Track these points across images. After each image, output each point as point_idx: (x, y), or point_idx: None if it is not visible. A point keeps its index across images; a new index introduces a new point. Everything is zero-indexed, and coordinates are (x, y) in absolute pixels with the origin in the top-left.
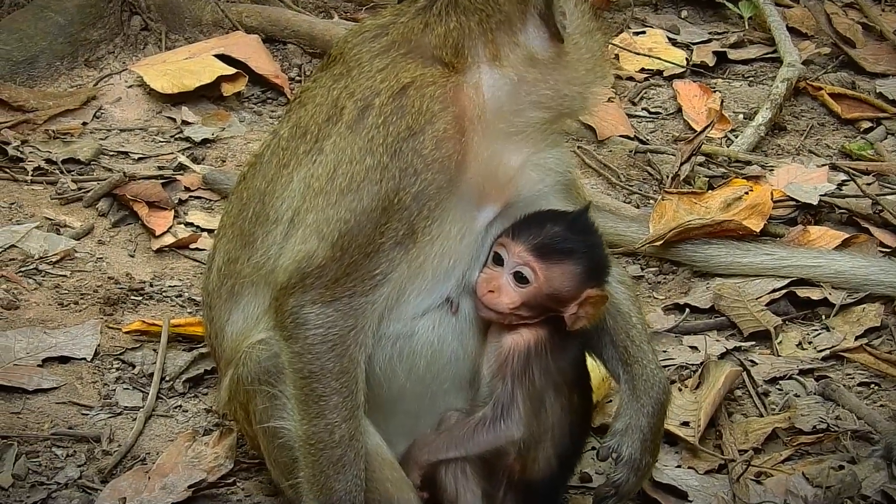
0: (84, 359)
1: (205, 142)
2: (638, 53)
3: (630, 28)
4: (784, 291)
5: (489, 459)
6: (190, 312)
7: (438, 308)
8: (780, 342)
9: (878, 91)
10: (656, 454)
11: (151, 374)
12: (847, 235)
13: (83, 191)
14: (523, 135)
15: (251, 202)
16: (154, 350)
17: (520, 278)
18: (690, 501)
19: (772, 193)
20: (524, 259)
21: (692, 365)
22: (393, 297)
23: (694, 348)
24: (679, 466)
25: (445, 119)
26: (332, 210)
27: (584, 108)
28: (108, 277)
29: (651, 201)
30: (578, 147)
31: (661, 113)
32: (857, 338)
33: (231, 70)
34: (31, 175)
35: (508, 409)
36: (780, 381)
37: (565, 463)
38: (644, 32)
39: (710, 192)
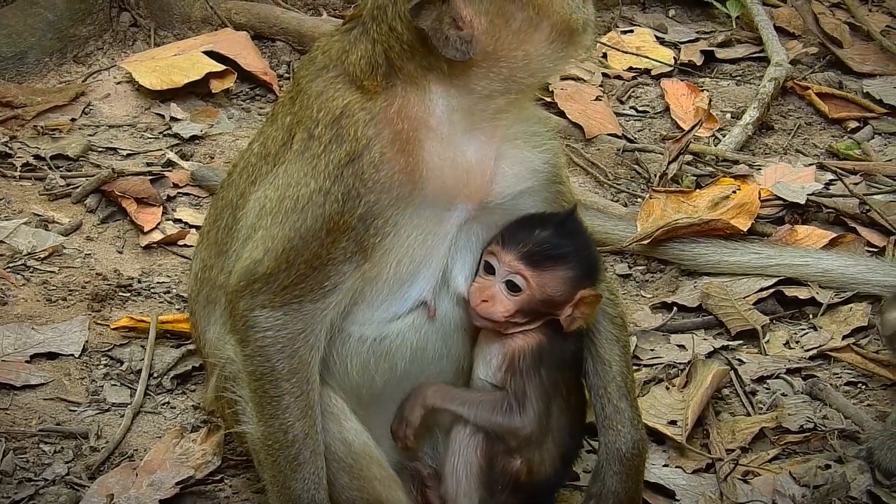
0: (72, 355)
1: (193, 138)
2: (626, 52)
3: (618, 27)
4: (771, 290)
5: (496, 465)
6: (178, 309)
7: (413, 312)
8: (768, 341)
9: (865, 91)
10: None
11: (139, 371)
12: (834, 235)
13: (71, 187)
14: (485, 127)
15: (224, 212)
16: (142, 346)
17: (512, 287)
18: (678, 500)
19: (759, 192)
20: (515, 268)
21: (679, 364)
22: (345, 303)
23: (681, 347)
24: (666, 465)
25: (381, 143)
26: (278, 228)
27: (558, 69)
28: (97, 273)
29: (639, 200)
30: (566, 145)
31: (648, 112)
32: (844, 337)
33: (220, 67)
34: (20, 171)
35: (523, 404)
36: (768, 381)
37: (566, 463)
38: (632, 31)
39: (697, 190)
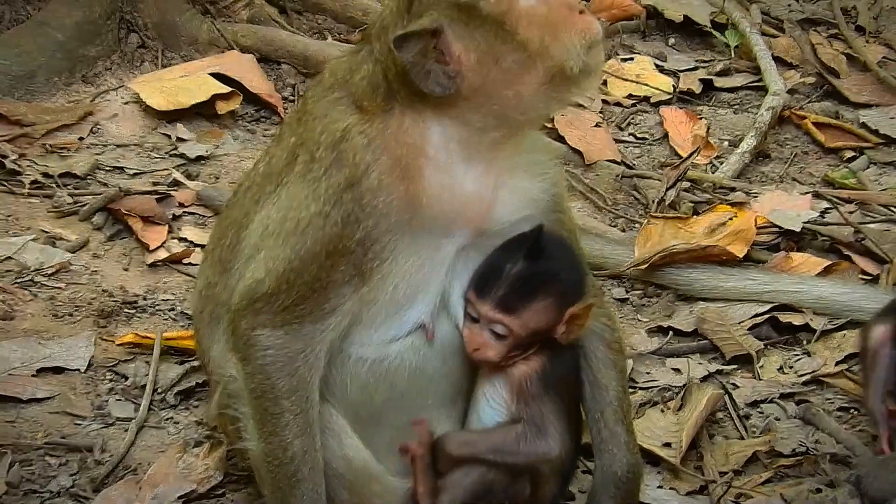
0: (78, 370)
1: (199, 159)
2: (626, 79)
3: (618, 54)
4: (766, 316)
5: (502, 488)
6: (182, 326)
7: (411, 334)
8: (762, 366)
9: (861, 121)
10: None
11: (143, 386)
12: (829, 262)
13: (79, 205)
14: (483, 158)
15: (229, 231)
16: (146, 362)
17: (497, 335)
18: None
19: (755, 220)
20: (493, 318)
21: (675, 387)
22: (344, 324)
23: (677, 370)
24: (661, 487)
25: (380, 168)
26: (280, 250)
27: (555, 109)
28: (103, 290)
29: (637, 225)
30: (566, 170)
31: (647, 138)
32: (837, 363)
33: (226, 88)
34: (28, 188)
35: (544, 427)
36: (761, 405)
37: (565, 482)
38: (632, 59)
39: (694, 217)
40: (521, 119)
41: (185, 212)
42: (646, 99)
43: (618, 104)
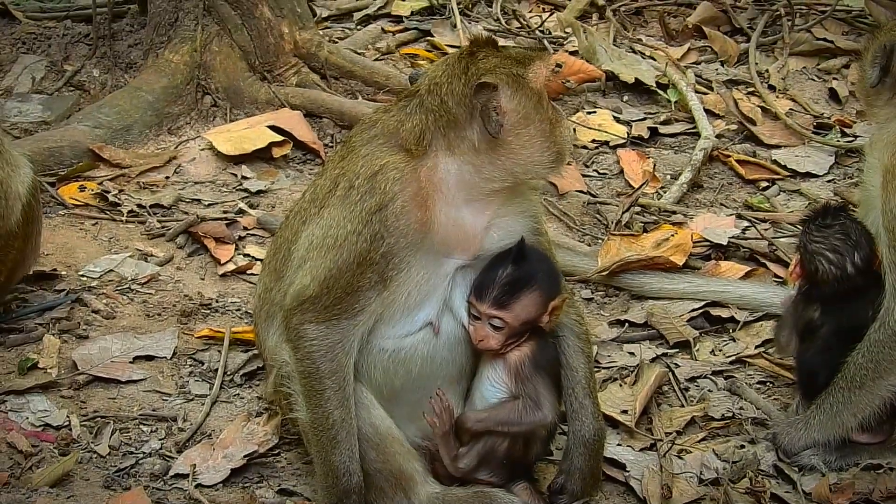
0: (165, 357)
1: (259, 192)
2: (590, 128)
3: (584, 108)
4: (701, 311)
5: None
6: (246, 322)
7: (422, 330)
8: (698, 349)
9: (773, 158)
10: (597, 484)
11: (216, 370)
12: (749, 268)
13: (165, 228)
14: (482, 202)
15: (283, 247)
16: (218, 351)
17: (496, 327)
18: (628, 472)
19: (692, 236)
20: (491, 314)
21: (630, 366)
22: (371, 321)
23: (631, 354)
24: (619, 445)
25: (404, 197)
26: (322, 260)
27: (542, 177)
28: (184, 295)
29: (599, 241)
30: (544, 199)
31: (607, 173)
32: (756, 347)
33: (279, 137)
34: (126, 216)
35: (539, 400)
36: (698, 380)
37: (551, 440)
38: (595, 112)
39: (644, 234)
40: (520, 179)
41: (248, 233)
42: (606, 143)
43: (584, 147)
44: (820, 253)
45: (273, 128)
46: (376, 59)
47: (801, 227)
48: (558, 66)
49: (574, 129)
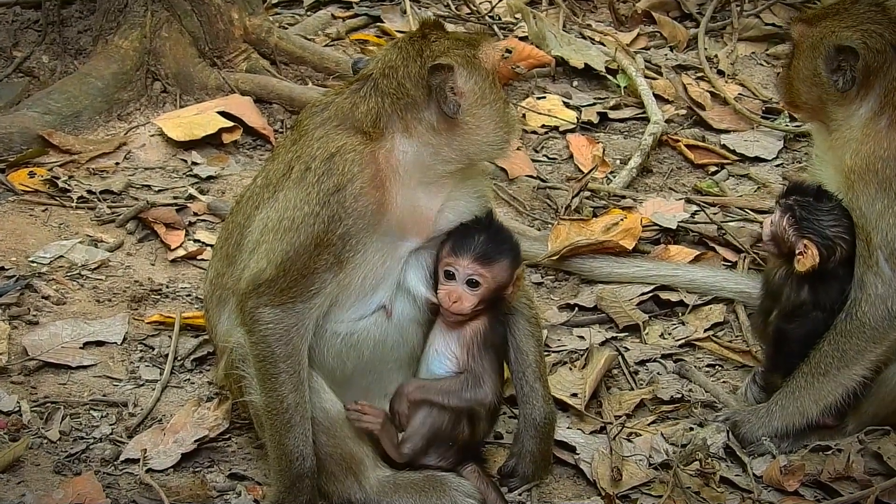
0: (115, 343)
1: (209, 178)
2: (540, 113)
3: (534, 93)
4: (650, 294)
5: (450, 428)
6: (197, 308)
7: (375, 313)
8: (647, 333)
9: (722, 143)
10: (548, 467)
11: (167, 355)
12: (698, 252)
13: (115, 214)
14: (437, 184)
15: (234, 232)
16: (169, 336)
17: (472, 284)
18: (578, 454)
19: (641, 220)
20: (472, 269)
21: (580, 350)
22: (326, 304)
23: (581, 337)
24: (569, 427)
25: (363, 179)
26: (278, 243)
27: (494, 158)
28: (135, 281)
29: (549, 226)
30: (494, 184)
31: (557, 158)
32: (705, 330)
33: (230, 123)
34: (76, 202)
35: (482, 378)
36: (647, 363)
37: (494, 422)
38: (545, 97)
39: (594, 218)
40: (474, 160)
41: (198, 219)
42: (555, 128)
43: (534, 132)
44: (839, 236)
45: (223, 113)
46: (326, 45)
47: (798, 216)
48: (508, 51)
49: (524, 115)
